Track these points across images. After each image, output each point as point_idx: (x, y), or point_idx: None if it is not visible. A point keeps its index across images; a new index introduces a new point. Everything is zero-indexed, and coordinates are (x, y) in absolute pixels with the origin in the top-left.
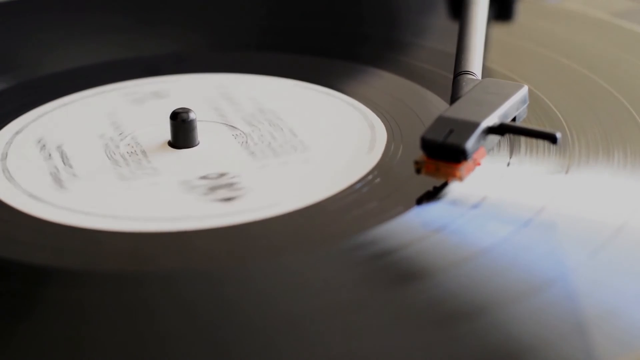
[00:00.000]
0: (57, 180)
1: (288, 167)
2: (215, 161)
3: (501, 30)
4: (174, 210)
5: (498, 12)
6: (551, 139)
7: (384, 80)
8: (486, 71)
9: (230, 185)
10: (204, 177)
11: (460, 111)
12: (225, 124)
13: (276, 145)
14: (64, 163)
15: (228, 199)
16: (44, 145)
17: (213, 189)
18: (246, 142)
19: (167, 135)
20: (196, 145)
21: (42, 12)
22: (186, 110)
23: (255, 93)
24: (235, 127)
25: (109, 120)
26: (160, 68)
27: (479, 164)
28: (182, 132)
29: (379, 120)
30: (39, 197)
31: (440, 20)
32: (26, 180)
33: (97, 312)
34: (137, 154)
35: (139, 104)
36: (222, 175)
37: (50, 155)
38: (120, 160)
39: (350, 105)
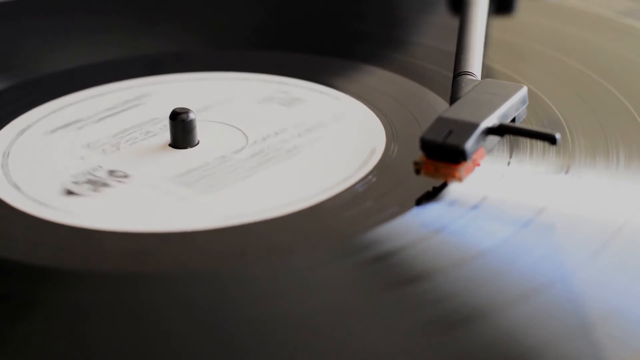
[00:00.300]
0: (70, 188)
1: (288, 167)
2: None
3: (501, 28)
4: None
5: (498, 6)
6: (550, 139)
7: (384, 80)
8: (486, 70)
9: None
10: (208, 174)
11: (459, 112)
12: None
13: (276, 144)
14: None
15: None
16: (42, 152)
17: (213, 184)
18: (246, 140)
19: (165, 136)
20: (197, 145)
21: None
22: (186, 111)
23: (252, 92)
24: (235, 127)
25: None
26: (160, 67)
27: (478, 165)
28: (183, 132)
29: (378, 120)
30: (40, 199)
31: (441, 19)
32: (37, 192)
33: (97, 312)
34: (140, 156)
35: (130, 107)
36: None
37: (51, 161)
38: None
39: (350, 104)
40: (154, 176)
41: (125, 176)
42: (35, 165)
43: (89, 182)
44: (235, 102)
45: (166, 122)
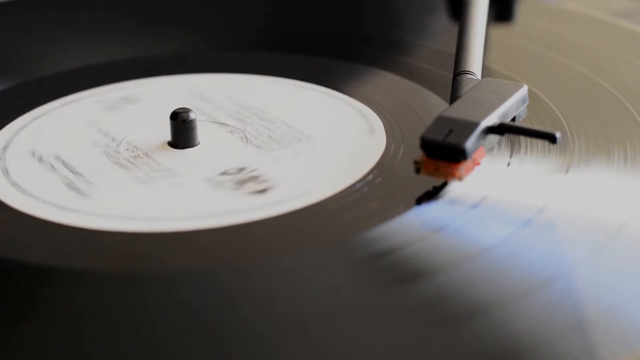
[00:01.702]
0: (76, 189)
1: (288, 167)
2: (226, 157)
3: (501, 30)
4: (208, 208)
5: (498, 13)
6: (551, 138)
7: (384, 80)
8: (486, 71)
9: (255, 178)
10: (224, 173)
11: (459, 111)
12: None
13: (277, 144)
14: (72, 173)
15: (261, 191)
16: (40, 157)
17: (240, 183)
18: (246, 139)
19: (163, 137)
20: (197, 145)
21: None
22: (186, 110)
23: (254, 93)
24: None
25: (93, 128)
26: (158, 68)
27: (478, 164)
28: (183, 132)
29: (379, 120)
30: (40, 198)
31: (441, 20)
32: (44, 193)
33: (97, 312)
34: (142, 157)
35: (114, 110)
36: (241, 169)
37: (53, 166)
38: (129, 165)
39: (350, 105)
40: (172, 177)
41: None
42: (35, 166)
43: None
44: (234, 102)
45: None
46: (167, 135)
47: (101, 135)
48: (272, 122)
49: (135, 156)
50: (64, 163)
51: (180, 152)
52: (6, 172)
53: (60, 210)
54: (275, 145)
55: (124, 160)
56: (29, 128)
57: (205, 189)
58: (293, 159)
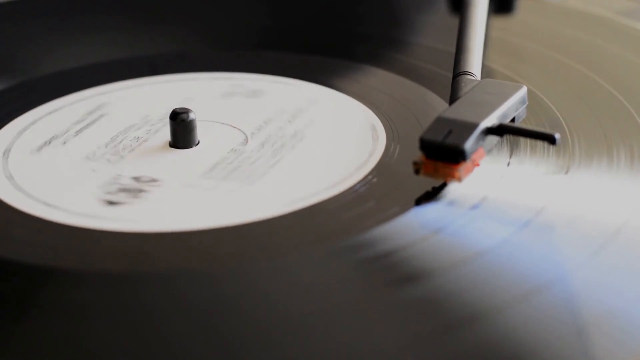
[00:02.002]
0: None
1: (288, 167)
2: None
3: (501, 29)
4: (222, 206)
5: (498, 6)
6: (550, 139)
7: (384, 80)
8: (486, 70)
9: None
10: (228, 171)
11: (459, 112)
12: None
13: (275, 144)
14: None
15: (265, 186)
16: (43, 162)
17: (244, 178)
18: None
19: (160, 138)
20: (197, 144)
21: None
22: (186, 111)
23: (254, 91)
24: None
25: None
26: (160, 67)
27: (477, 165)
28: (184, 131)
29: (378, 120)
30: (40, 198)
31: (442, 19)
32: (54, 198)
33: (97, 312)
34: (146, 159)
35: (103, 114)
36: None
37: (57, 170)
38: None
39: (349, 105)
40: (183, 176)
41: (154, 180)
42: (35, 166)
43: (123, 190)
44: (232, 102)
45: (149, 126)
46: (166, 136)
47: (97, 139)
48: (270, 120)
49: (138, 158)
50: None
51: (183, 152)
52: (11, 177)
53: (60, 211)
54: (275, 143)
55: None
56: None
57: (208, 187)
58: (293, 159)
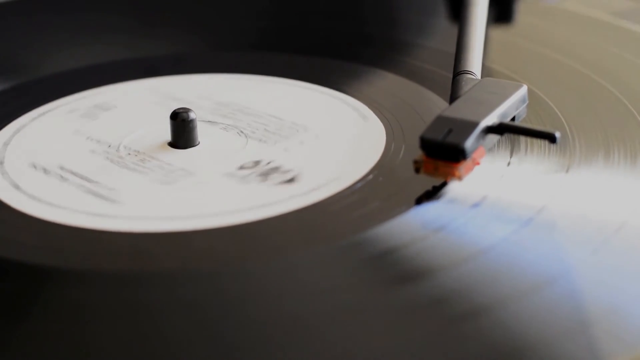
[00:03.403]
0: (98, 195)
1: (288, 167)
2: (237, 152)
3: (501, 30)
4: (241, 202)
5: (498, 15)
6: (550, 138)
7: (383, 80)
8: (486, 71)
9: (277, 169)
10: (242, 167)
11: (459, 111)
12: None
13: (279, 137)
14: (87, 181)
15: (289, 181)
16: (44, 169)
17: (263, 175)
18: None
19: (159, 138)
20: (197, 144)
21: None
22: (186, 110)
23: (254, 93)
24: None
25: (82, 137)
26: (159, 69)
27: (478, 164)
28: (184, 132)
29: (378, 120)
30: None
31: (441, 20)
32: (66, 202)
33: (97, 312)
34: (149, 160)
35: (92, 118)
36: (257, 162)
37: (62, 176)
38: (141, 168)
39: (349, 105)
40: (190, 176)
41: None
42: (35, 166)
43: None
44: (231, 102)
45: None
46: (163, 137)
47: (93, 142)
48: (271, 120)
49: (141, 160)
50: (72, 172)
51: (185, 151)
52: (16, 186)
53: (61, 211)
54: (278, 138)
55: (133, 165)
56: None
57: (228, 184)
58: (294, 159)
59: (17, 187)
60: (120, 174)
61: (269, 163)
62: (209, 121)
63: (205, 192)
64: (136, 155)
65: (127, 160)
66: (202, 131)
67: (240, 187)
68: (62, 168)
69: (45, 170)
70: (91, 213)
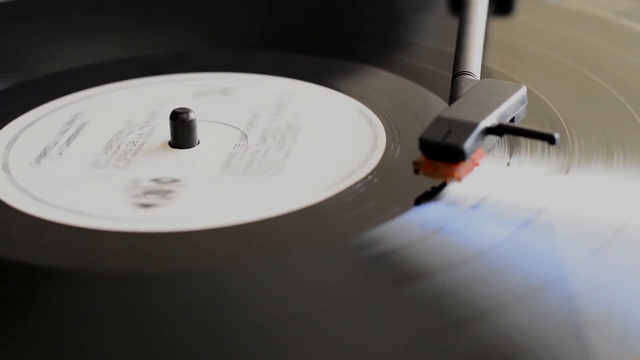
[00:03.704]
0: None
1: (287, 167)
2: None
3: (501, 29)
4: (223, 206)
5: (498, 7)
6: (549, 139)
7: (383, 80)
8: (485, 71)
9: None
10: (236, 168)
11: (458, 111)
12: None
13: (276, 144)
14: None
15: (282, 182)
16: (42, 163)
17: (255, 175)
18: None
19: (159, 138)
20: (197, 144)
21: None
22: (186, 111)
23: (252, 93)
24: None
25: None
26: (159, 68)
27: (477, 165)
28: (184, 131)
29: (378, 120)
30: (40, 198)
31: (441, 20)
32: (55, 198)
33: (97, 312)
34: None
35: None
36: (251, 163)
37: (58, 170)
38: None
39: (349, 105)
40: (203, 173)
41: (175, 180)
42: (36, 166)
43: (151, 192)
44: (230, 101)
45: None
46: (164, 136)
47: (95, 140)
48: (269, 120)
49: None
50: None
51: (183, 152)
52: (11, 178)
53: (62, 211)
54: (275, 143)
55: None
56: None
57: (216, 186)
58: (293, 159)
59: (11, 178)
60: (113, 172)
61: (264, 164)
62: (212, 122)
63: (195, 193)
64: (135, 154)
65: (124, 159)
66: (203, 131)
67: (232, 188)
68: (60, 163)
69: (42, 166)
70: (72, 211)
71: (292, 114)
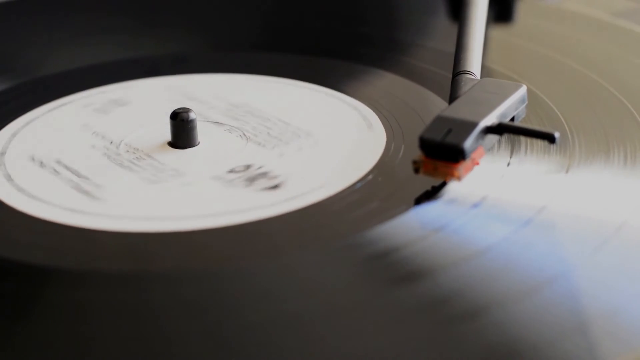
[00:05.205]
0: (84, 191)
1: (288, 167)
2: (232, 155)
3: (501, 30)
4: (222, 206)
5: (498, 14)
6: (549, 138)
7: (383, 80)
8: (486, 71)
9: (265, 175)
10: (231, 171)
11: (458, 111)
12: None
13: (279, 141)
14: (77, 176)
15: (273, 187)
16: (41, 162)
17: (250, 180)
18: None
19: (161, 137)
20: (197, 144)
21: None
22: (186, 110)
23: (255, 93)
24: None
25: (88, 131)
26: (160, 68)
27: (477, 164)
28: (183, 132)
29: (378, 120)
30: (41, 198)
31: (441, 20)
32: (51, 196)
33: (97, 312)
34: (145, 158)
35: (104, 113)
36: (248, 167)
37: (55, 170)
38: (133, 166)
39: (349, 105)
40: (180, 177)
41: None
42: (33, 159)
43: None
44: (244, 103)
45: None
46: (166, 136)
47: (98, 138)
48: (270, 120)
49: (137, 157)
50: (66, 167)
51: (182, 152)
52: (9, 178)
53: (62, 211)
54: (277, 142)
55: (127, 162)
56: (21, 134)
57: (215, 187)
58: (293, 159)
59: (10, 179)
60: (112, 171)
61: (259, 167)
62: (215, 122)
63: (189, 193)
64: (134, 153)
65: (123, 158)
66: (205, 132)
67: (232, 188)
68: (58, 162)
69: (41, 164)
70: (68, 208)
71: (292, 114)
